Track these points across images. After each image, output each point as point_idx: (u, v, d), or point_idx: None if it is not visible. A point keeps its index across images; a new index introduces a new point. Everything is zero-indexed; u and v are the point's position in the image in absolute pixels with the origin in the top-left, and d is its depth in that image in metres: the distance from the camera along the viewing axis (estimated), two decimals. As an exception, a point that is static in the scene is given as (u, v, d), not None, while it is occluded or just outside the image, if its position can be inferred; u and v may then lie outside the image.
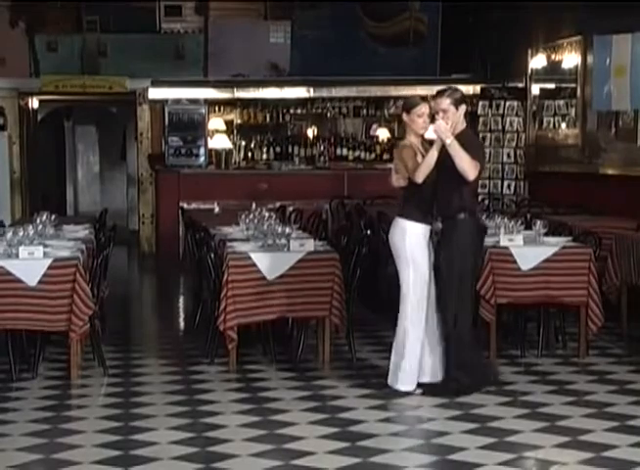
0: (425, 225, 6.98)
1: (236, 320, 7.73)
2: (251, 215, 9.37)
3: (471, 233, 6.95)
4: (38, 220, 9.20)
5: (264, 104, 16.45)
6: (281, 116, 16.63)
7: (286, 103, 16.44)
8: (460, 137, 6.74)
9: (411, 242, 6.93)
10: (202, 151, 15.21)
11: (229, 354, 7.83)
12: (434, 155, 6.76)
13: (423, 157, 6.89)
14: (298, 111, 16.63)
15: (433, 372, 7.10)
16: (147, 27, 16.45)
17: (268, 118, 16.63)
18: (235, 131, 16.33)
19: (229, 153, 15.74)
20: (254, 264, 7.82)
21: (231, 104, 16.36)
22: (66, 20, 16.25)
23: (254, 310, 7.83)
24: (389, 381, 7.08)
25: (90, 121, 20.52)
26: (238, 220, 9.39)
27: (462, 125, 6.93)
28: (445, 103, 6.84)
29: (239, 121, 16.50)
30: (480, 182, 14.51)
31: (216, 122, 15.89)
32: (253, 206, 9.82)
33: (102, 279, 8.33)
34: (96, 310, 7.80)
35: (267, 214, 9.30)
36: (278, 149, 16.48)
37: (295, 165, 15.86)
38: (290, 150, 16.44)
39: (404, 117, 7.09)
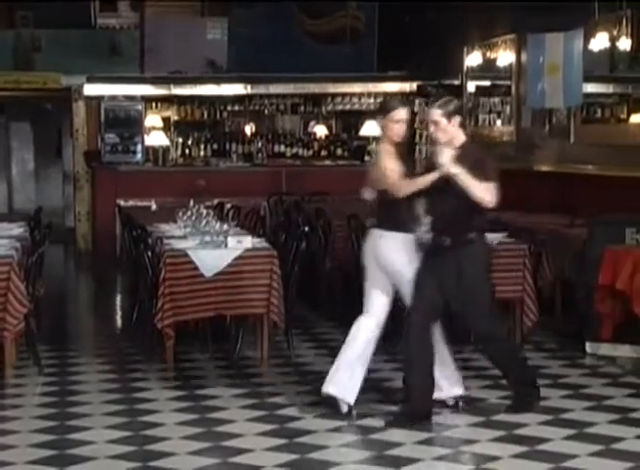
0: (406, 234, 6.37)
1: (173, 318, 7.68)
2: (189, 213, 9.32)
3: (485, 253, 6.46)
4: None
5: (201, 101, 16.40)
6: (218, 112, 16.60)
7: (223, 100, 16.40)
8: (462, 153, 6.20)
9: (397, 253, 6.35)
10: (139, 148, 15.12)
11: (166, 352, 7.78)
12: (430, 179, 6.19)
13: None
14: (236, 107, 16.59)
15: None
16: (82, 23, 16.29)
17: (206, 115, 16.59)
18: (172, 128, 16.25)
19: (166, 150, 15.64)
20: (192, 262, 7.78)
21: (168, 100, 16.28)
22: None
23: (192, 308, 7.79)
24: None
25: (24, 118, 20.27)
26: (175, 218, 9.33)
27: (460, 139, 6.31)
28: (436, 114, 6.24)
29: (176, 118, 16.43)
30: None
31: (153, 119, 15.79)
32: (191, 203, 9.76)
33: (37, 277, 8.23)
34: (31, 309, 7.70)
35: (205, 212, 9.26)
36: (215, 146, 16.44)
37: (232, 162, 15.83)
38: (227, 147, 16.41)
39: (379, 120, 6.58)
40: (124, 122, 15.05)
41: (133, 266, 9.33)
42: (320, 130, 16.72)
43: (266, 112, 16.75)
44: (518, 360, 6.70)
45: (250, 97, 16.39)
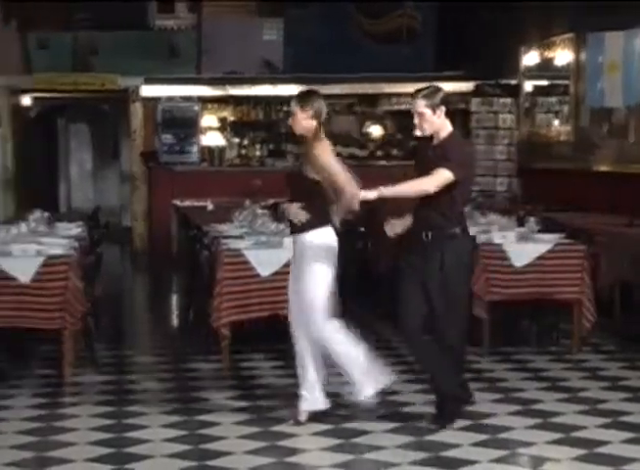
0: (332, 228, 6.24)
1: (229, 317, 7.72)
2: (245, 213, 9.37)
3: (467, 250, 6.25)
4: (31, 218, 9.19)
5: (257, 101, 16.44)
6: (274, 113, 16.62)
7: (279, 100, 16.41)
8: (443, 144, 6.07)
9: (327, 248, 6.17)
10: (195, 148, 15.20)
11: (222, 352, 7.82)
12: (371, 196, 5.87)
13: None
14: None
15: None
16: (140, 24, 16.42)
17: (261, 116, 16.63)
18: (228, 128, 16.32)
19: (222, 150, 15.73)
20: (248, 262, 7.81)
21: (224, 101, 16.34)
22: (57, 17, 16.19)
23: (248, 308, 7.82)
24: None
25: (83, 119, 20.49)
26: (231, 218, 9.38)
27: (446, 130, 6.12)
28: (420, 105, 6.06)
29: (232, 119, 16.49)
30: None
31: (209, 120, 15.88)
32: (247, 203, 9.81)
33: (95, 277, 8.32)
34: (89, 308, 7.79)
35: (260, 212, 9.30)
36: (271, 146, 16.48)
37: (288, 163, 15.83)
38: (283, 147, 16.43)
39: (297, 112, 6.28)
40: (181, 123, 15.14)
41: (189, 266, 9.38)
42: (375, 130, 16.68)
43: (322, 112, 16.72)
44: (459, 378, 6.36)
45: (305, 97, 16.36)
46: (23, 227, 8.55)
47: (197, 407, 6.70)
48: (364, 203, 5.91)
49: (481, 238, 8.27)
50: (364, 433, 6.07)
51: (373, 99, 16.61)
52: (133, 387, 7.30)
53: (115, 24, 15.92)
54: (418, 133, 6.23)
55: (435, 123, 6.07)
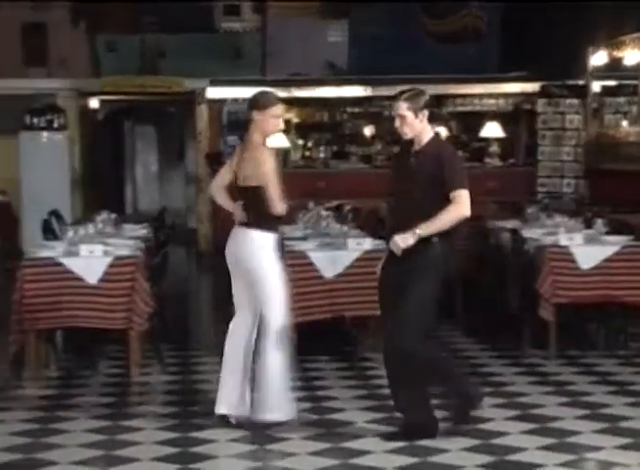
0: (275, 235, 6.24)
1: (295, 318, 7.72)
2: (309, 214, 9.38)
3: (445, 258, 5.95)
4: (99, 219, 9.31)
5: (322, 103, 16.43)
6: (338, 114, 16.62)
7: (343, 102, 16.41)
8: (427, 150, 5.85)
9: (266, 255, 6.16)
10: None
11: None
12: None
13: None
14: (356, 109, 16.60)
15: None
16: (206, 27, 16.52)
17: (326, 117, 16.63)
18: (293, 130, 16.33)
19: (287, 152, 15.75)
20: (312, 263, 7.83)
21: (288, 103, 16.29)
22: (125, 20, 16.37)
23: (312, 309, 7.83)
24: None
25: (149, 121, 20.67)
26: (295, 219, 9.39)
27: (428, 135, 5.89)
28: (402, 108, 5.83)
29: (296, 120, 16.50)
30: (538, 181, 14.53)
31: (274, 121, 15.90)
32: (311, 204, 9.82)
33: (161, 277, 8.39)
34: (155, 309, 7.86)
35: (325, 213, 9.31)
36: (335, 148, 16.47)
37: (352, 164, 15.84)
38: (347, 149, 16.42)
39: (255, 114, 6.17)
40: (246, 125, 15.17)
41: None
42: (440, 131, 16.61)
43: (386, 113, 16.71)
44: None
45: (369, 99, 16.36)
46: (91, 228, 8.66)
47: (261, 408, 6.71)
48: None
49: (548, 240, 8.20)
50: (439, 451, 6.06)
51: (437, 100, 16.51)
52: (198, 387, 7.35)
53: (182, 27, 16.05)
54: (408, 136, 5.94)
55: (417, 127, 5.86)
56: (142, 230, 9.64)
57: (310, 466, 5.56)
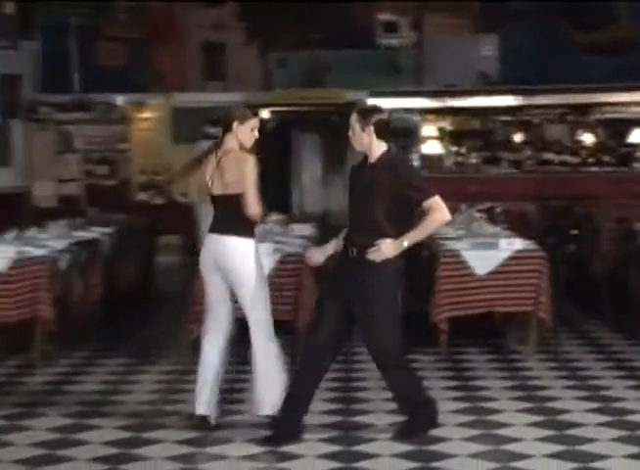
0: (254, 240, 5.96)
1: (447, 313, 7.71)
2: (462, 216, 9.31)
3: (396, 268, 5.67)
4: (269, 220, 9.45)
5: (474, 112, 16.30)
6: (489, 122, 16.44)
7: (494, 111, 16.23)
8: (378, 165, 5.61)
9: (250, 260, 5.86)
10: (415, 156, 15.23)
11: (441, 345, 7.80)
12: None
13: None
14: (506, 118, 16.39)
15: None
16: (366, 43, 16.60)
17: (477, 125, 16.48)
18: (446, 137, 16.24)
19: (440, 157, 15.68)
20: (465, 262, 7.77)
21: (443, 112, 16.29)
22: (295, 38, 16.61)
23: (465, 304, 7.79)
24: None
25: (314, 130, 20.86)
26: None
27: (379, 149, 5.63)
28: (353, 118, 5.64)
29: (450, 128, 16.41)
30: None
31: (429, 129, 15.87)
32: (463, 207, 9.74)
33: (327, 274, 8.44)
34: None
35: (477, 215, 9.22)
36: (486, 153, 16.30)
37: (502, 169, 15.66)
38: (498, 154, 16.23)
39: (235, 126, 5.94)
40: (403, 133, 15.20)
41: (409, 265, 9.34)
42: (587, 138, 16.23)
43: (535, 121, 16.44)
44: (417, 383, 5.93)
45: (519, 108, 16.13)
46: (262, 228, 8.79)
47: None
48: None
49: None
50: (578, 425, 5.90)
51: (585, 108, 16.14)
52: (359, 375, 7.37)
53: (345, 44, 16.17)
54: (357, 148, 5.72)
55: (364, 141, 5.61)
56: (308, 230, 9.74)
57: (463, 452, 5.50)
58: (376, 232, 5.54)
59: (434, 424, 5.84)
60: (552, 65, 15.69)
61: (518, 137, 16.43)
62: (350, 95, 15.70)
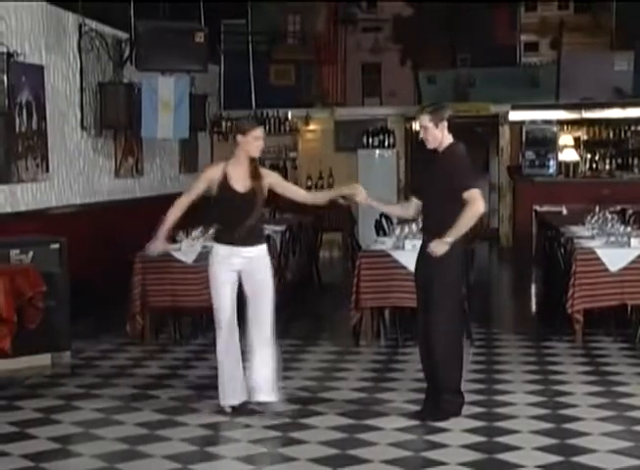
0: (230, 247, 5.67)
1: (582, 305, 7.55)
2: (596, 217, 9.06)
3: (461, 254, 5.64)
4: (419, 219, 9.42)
5: (608, 123, 15.79)
6: (623, 132, 15.90)
7: (627, 121, 15.68)
8: (446, 154, 5.63)
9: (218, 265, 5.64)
10: (552, 163, 14.92)
11: (576, 333, 7.63)
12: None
13: (250, 179, 5.68)
14: (638, 128, 15.80)
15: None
16: (509, 62, 16.39)
17: (611, 135, 15.97)
18: (582, 146, 15.82)
19: (576, 164, 15.30)
20: (599, 258, 7.58)
21: (579, 123, 15.86)
22: (443, 58, 16.56)
23: (598, 297, 7.61)
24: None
25: (460, 140, 20.65)
26: (584, 221, 9.11)
27: (447, 141, 5.66)
28: (425, 120, 5.62)
29: (585, 138, 15.96)
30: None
31: (566, 139, 15.49)
32: (597, 209, 9.48)
33: (468, 268, 8.36)
34: (464, 293, 7.84)
35: (609, 216, 8.96)
36: (619, 160, 15.79)
37: (634, 174, 15.14)
38: (630, 161, 15.70)
39: (239, 138, 5.69)
40: (541, 142, 14.92)
41: (547, 261, 9.20)
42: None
43: (666, 131, 15.80)
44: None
45: (652, 118, 15.55)
46: (414, 226, 8.77)
47: (553, 379, 6.59)
48: None
49: None
50: None
51: None
52: (499, 359, 7.31)
53: (489, 62, 16.01)
54: (431, 145, 5.67)
55: (437, 137, 5.61)
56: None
57: (596, 430, 5.38)
58: (440, 221, 5.48)
59: (459, 414, 5.61)
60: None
61: (649, 146, 15.82)
62: (494, 108, 15.50)
